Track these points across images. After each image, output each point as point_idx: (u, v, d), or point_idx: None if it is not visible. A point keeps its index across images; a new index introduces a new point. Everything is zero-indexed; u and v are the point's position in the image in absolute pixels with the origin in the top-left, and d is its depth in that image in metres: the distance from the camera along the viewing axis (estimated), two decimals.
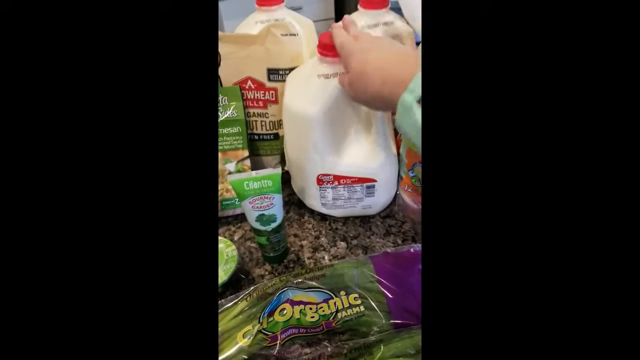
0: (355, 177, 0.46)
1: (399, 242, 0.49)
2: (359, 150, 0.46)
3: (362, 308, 0.38)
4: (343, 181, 0.47)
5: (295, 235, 0.52)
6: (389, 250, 0.45)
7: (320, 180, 0.47)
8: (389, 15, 0.50)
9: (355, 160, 0.46)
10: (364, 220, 0.53)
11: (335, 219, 0.53)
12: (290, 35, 0.48)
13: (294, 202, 0.56)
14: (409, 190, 0.48)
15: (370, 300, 0.38)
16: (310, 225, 0.53)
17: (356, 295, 0.39)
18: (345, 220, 0.53)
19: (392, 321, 0.37)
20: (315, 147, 0.44)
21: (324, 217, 0.54)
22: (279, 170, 0.40)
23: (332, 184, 0.47)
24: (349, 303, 0.38)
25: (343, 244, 0.50)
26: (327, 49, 0.40)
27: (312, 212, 0.54)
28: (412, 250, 0.44)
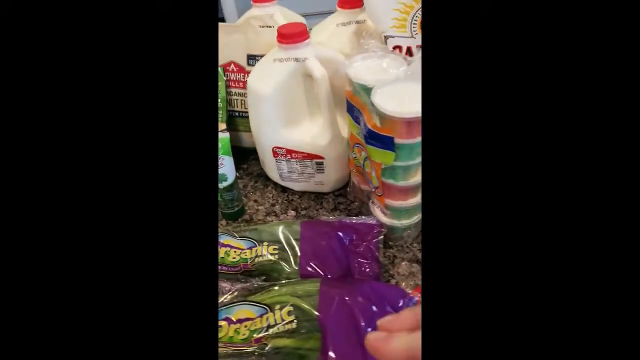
0: (305, 153, 0.52)
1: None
2: (309, 128, 0.52)
3: (276, 257, 0.43)
4: (295, 155, 0.53)
5: (255, 201, 0.58)
6: (322, 218, 0.50)
7: (275, 153, 0.53)
8: (362, 14, 0.55)
9: (305, 137, 0.51)
10: (319, 196, 0.58)
11: (293, 192, 0.59)
12: (267, 27, 0.55)
13: (263, 175, 0.62)
14: (354, 170, 0.53)
15: (286, 252, 0.44)
16: (270, 195, 0.59)
17: (276, 247, 0.44)
18: (302, 194, 0.59)
19: (299, 272, 0.42)
20: (269, 121, 0.51)
21: (284, 190, 0.60)
22: (226, 135, 0.48)
23: (286, 157, 0.53)
24: (267, 252, 0.44)
25: (293, 212, 0.56)
26: (283, 37, 0.47)
27: (276, 185, 0.60)
28: (343, 221, 0.48)
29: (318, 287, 0.38)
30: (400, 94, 0.38)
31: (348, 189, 0.58)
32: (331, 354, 0.33)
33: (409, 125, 0.37)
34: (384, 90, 0.39)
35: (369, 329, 0.34)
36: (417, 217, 0.48)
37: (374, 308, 0.35)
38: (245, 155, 0.66)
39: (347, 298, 0.36)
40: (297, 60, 0.47)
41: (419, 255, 0.49)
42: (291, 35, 0.46)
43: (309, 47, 0.47)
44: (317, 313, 0.35)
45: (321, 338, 0.34)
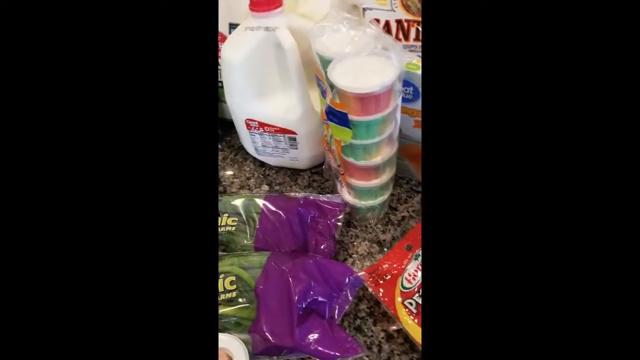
0: (277, 127, 0.52)
1: None
2: (281, 101, 0.51)
3: (234, 229, 0.44)
4: (267, 129, 0.52)
5: (233, 174, 0.59)
6: (290, 194, 0.50)
7: (248, 125, 0.53)
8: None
9: (277, 111, 0.51)
10: (295, 172, 0.58)
11: (270, 167, 0.59)
12: None
13: (243, 149, 0.62)
14: (326, 148, 0.52)
15: (244, 225, 0.44)
16: (247, 169, 0.59)
17: (235, 219, 0.45)
18: (279, 169, 0.59)
19: (253, 244, 0.43)
20: (240, 92, 0.50)
21: (262, 165, 0.60)
22: None
23: (259, 130, 0.53)
24: (226, 223, 0.44)
25: (266, 187, 0.56)
26: (254, 4, 0.45)
27: (255, 160, 0.60)
28: (308, 198, 0.48)
29: (264, 260, 0.38)
30: (358, 69, 0.37)
31: (324, 166, 0.57)
32: (262, 322, 0.33)
33: (362, 101, 0.36)
34: (343, 64, 0.38)
35: (303, 303, 0.34)
36: (381, 199, 0.47)
37: (313, 284, 0.35)
38: (229, 128, 0.66)
39: (287, 272, 0.36)
40: (267, 29, 0.46)
41: (381, 236, 0.48)
42: (262, 3, 0.45)
43: (281, 16, 0.46)
44: (255, 284, 0.35)
45: (256, 307, 0.34)
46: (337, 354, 0.32)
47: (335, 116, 0.39)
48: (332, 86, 0.37)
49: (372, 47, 0.38)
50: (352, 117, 0.37)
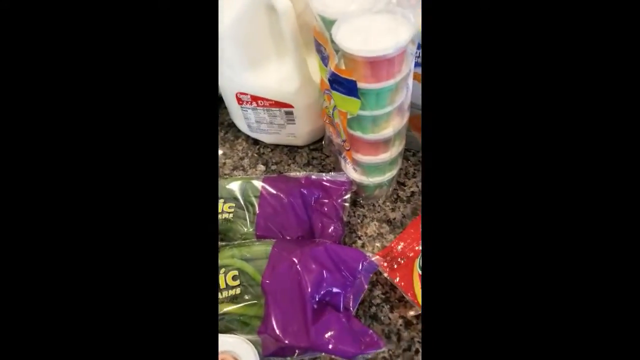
0: (272, 100, 0.47)
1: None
2: (276, 72, 0.46)
3: (231, 216, 0.40)
4: (261, 102, 0.47)
5: (224, 154, 0.54)
6: (290, 174, 0.46)
7: (239, 100, 0.48)
8: None
9: (271, 82, 0.46)
10: (292, 149, 0.54)
11: (265, 145, 0.55)
12: None
13: (235, 126, 0.57)
14: (327, 121, 0.47)
15: (243, 211, 0.40)
16: (240, 147, 0.55)
17: (232, 204, 0.41)
18: (275, 147, 0.54)
19: (255, 232, 0.39)
20: (228, 62, 0.45)
21: (256, 142, 0.55)
22: None
23: (251, 104, 0.48)
24: (222, 210, 0.40)
25: (262, 167, 0.52)
26: None
27: (248, 138, 0.56)
28: (310, 178, 0.44)
29: (269, 249, 0.34)
30: (367, 29, 0.32)
31: (323, 142, 0.53)
32: (273, 321, 0.30)
33: (372, 66, 0.31)
34: (349, 24, 0.33)
35: (316, 296, 0.31)
36: (390, 174, 0.43)
37: (325, 274, 0.32)
38: (218, 103, 0.60)
39: (297, 262, 0.32)
40: None
41: (390, 215, 0.45)
42: None
43: None
44: (261, 278, 0.32)
45: (264, 305, 0.31)
46: (357, 350, 0.29)
47: (341, 85, 0.34)
48: (337, 50, 0.33)
49: (383, 2, 0.33)
50: (361, 84, 0.33)
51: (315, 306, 0.31)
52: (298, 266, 0.32)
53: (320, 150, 0.53)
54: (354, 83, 0.33)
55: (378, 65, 0.31)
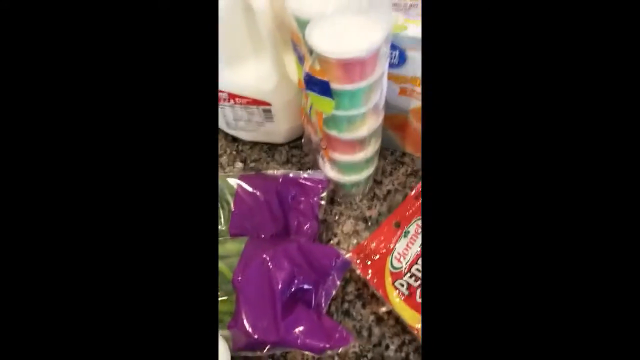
0: (250, 98, 0.47)
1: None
2: (254, 70, 0.46)
3: None
4: (239, 100, 0.47)
5: None
6: (267, 172, 0.46)
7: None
8: None
9: (249, 80, 0.46)
10: (272, 147, 0.54)
11: (244, 142, 0.55)
12: None
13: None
14: (305, 120, 0.48)
15: (218, 208, 0.41)
16: (219, 144, 0.55)
17: None
18: (254, 145, 0.54)
19: (228, 230, 0.39)
20: None
21: (235, 140, 0.55)
22: None
23: (229, 101, 0.48)
24: None
25: (240, 165, 0.52)
26: None
27: (226, 135, 0.56)
28: (287, 176, 0.44)
29: (242, 247, 0.35)
30: (340, 31, 0.33)
31: (303, 140, 0.53)
32: (243, 317, 0.30)
33: (345, 67, 0.32)
34: (323, 25, 0.33)
35: (287, 293, 0.32)
36: (366, 173, 0.44)
37: (297, 271, 0.33)
38: None
39: (268, 260, 0.33)
40: None
41: (367, 212, 0.45)
42: None
43: None
44: (233, 275, 0.32)
45: (235, 301, 0.32)
46: (326, 345, 0.30)
47: (316, 85, 0.35)
48: (311, 51, 0.33)
49: (356, 4, 0.34)
50: (334, 85, 0.33)
51: (285, 302, 0.31)
52: (270, 263, 0.32)
53: (299, 148, 0.54)
54: (327, 84, 0.33)
55: (351, 66, 0.32)
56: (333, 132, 0.39)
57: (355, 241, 0.43)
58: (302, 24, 0.34)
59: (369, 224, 0.45)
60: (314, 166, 0.51)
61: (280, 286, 0.31)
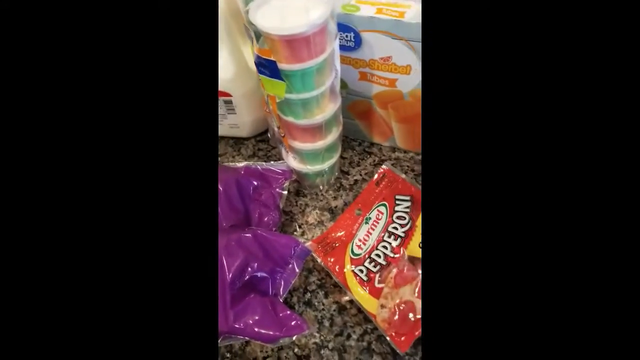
0: None
1: None
2: None
3: None
4: None
5: None
6: (229, 164, 0.45)
7: None
8: None
9: None
10: (238, 141, 0.53)
11: None
12: None
13: None
14: (266, 110, 0.47)
15: None
16: None
17: None
18: (220, 139, 0.53)
19: None
20: None
21: None
22: None
23: None
24: None
25: None
26: None
27: None
28: (250, 167, 0.43)
29: None
30: (283, 8, 0.32)
31: (268, 133, 0.52)
32: None
33: (290, 45, 0.31)
34: (267, 3, 0.32)
35: (237, 282, 0.30)
36: (329, 162, 0.43)
37: (251, 259, 0.31)
38: None
39: (222, 250, 0.31)
40: None
41: (332, 203, 0.44)
42: None
43: None
44: None
45: None
46: (279, 334, 0.28)
47: (265, 67, 0.33)
48: (256, 32, 0.32)
49: None
50: (282, 65, 0.32)
51: (237, 292, 0.30)
52: (222, 253, 0.31)
53: (266, 142, 0.53)
54: (274, 64, 0.32)
55: (296, 44, 0.31)
56: (289, 118, 0.38)
57: (319, 232, 0.42)
58: (248, 3, 0.33)
59: (334, 214, 0.43)
60: (280, 158, 0.50)
61: (230, 275, 0.30)
